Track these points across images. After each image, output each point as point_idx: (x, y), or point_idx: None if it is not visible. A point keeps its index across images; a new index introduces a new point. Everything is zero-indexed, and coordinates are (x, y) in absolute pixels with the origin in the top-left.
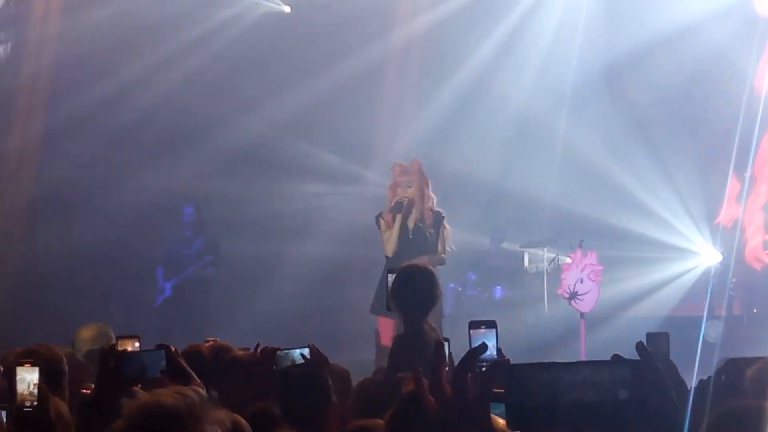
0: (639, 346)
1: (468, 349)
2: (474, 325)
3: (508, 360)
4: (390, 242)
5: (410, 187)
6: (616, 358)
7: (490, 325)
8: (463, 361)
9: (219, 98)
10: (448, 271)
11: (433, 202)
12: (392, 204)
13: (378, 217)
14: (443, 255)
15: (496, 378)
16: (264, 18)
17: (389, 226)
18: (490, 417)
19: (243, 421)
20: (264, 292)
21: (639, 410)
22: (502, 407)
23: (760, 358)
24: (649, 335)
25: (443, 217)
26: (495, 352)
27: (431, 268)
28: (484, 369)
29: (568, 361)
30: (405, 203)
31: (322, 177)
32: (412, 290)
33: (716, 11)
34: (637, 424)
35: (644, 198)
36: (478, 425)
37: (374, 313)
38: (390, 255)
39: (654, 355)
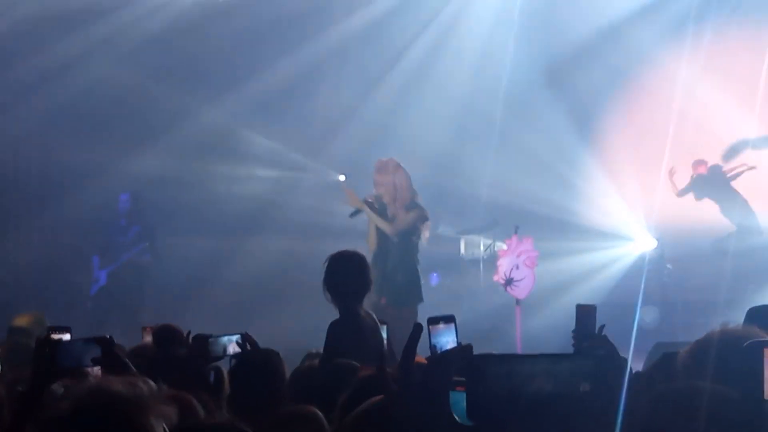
0: (600, 338)
1: (429, 345)
2: (432, 320)
3: (471, 346)
4: (370, 237)
5: (382, 186)
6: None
7: (449, 320)
8: (406, 349)
9: (155, 83)
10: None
11: (410, 200)
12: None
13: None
14: (397, 228)
15: (458, 366)
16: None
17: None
18: (448, 403)
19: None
20: (201, 280)
21: (601, 402)
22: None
23: (690, 342)
24: (578, 307)
25: (418, 211)
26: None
27: (362, 253)
28: (443, 353)
29: (526, 353)
30: (372, 201)
31: (265, 165)
32: (344, 276)
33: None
34: (599, 415)
35: (580, 185)
36: (437, 410)
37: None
38: (370, 249)
39: (583, 326)
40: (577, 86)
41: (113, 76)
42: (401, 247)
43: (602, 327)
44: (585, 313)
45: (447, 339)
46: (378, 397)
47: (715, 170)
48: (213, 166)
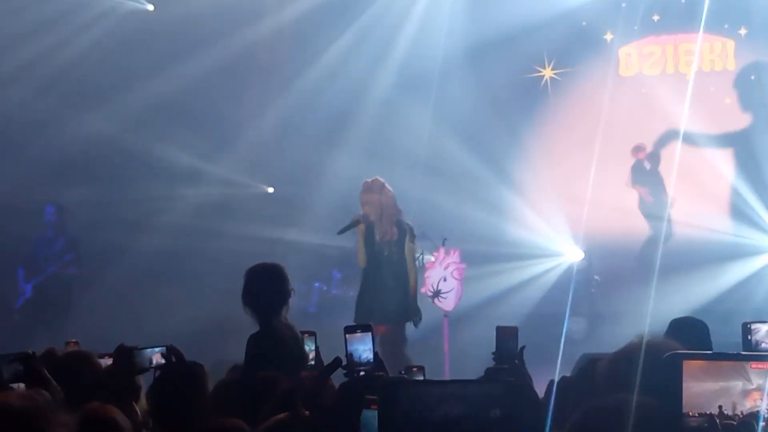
0: (512, 367)
1: (345, 353)
2: (350, 329)
3: (385, 371)
4: (359, 254)
5: (369, 205)
6: (490, 375)
7: (366, 328)
8: (318, 377)
9: (75, 97)
10: (313, 270)
11: (396, 218)
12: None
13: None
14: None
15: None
16: (128, 17)
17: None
18: (358, 425)
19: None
20: (128, 292)
21: (511, 427)
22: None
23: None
24: (498, 329)
25: (406, 232)
26: (372, 356)
27: (279, 264)
28: (362, 374)
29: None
30: (358, 220)
31: (190, 180)
32: (262, 288)
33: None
34: None
35: (508, 196)
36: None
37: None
38: (360, 266)
39: (505, 347)
40: (498, 93)
41: (38, 95)
42: (396, 266)
43: (522, 348)
44: (506, 334)
45: (363, 347)
46: (282, 415)
47: (653, 157)
48: (141, 181)
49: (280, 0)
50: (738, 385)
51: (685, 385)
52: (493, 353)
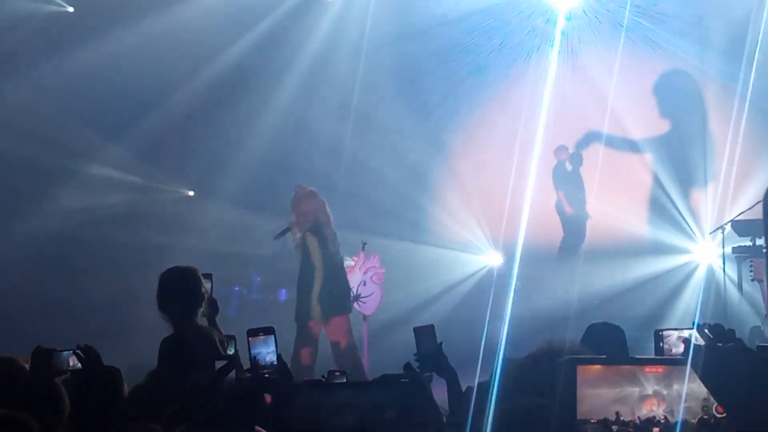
0: (406, 367)
1: (249, 356)
2: (252, 332)
3: (289, 375)
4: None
5: (300, 213)
6: (384, 379)
7: (269, 331)
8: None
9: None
10: (233, 274)
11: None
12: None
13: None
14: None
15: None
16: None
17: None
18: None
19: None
20: (46, 298)
21: (407, 427)
22: None
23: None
24: (416, 329)
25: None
26: (275, 358)
27: (192, 267)
28: (266, 376)
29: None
30: (288, 228)
31: (107, 183)
32: (174, 292)
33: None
34: None
35: (428, 200)
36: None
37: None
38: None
39: (424, 347)
40: (425, 100)
41: None
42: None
43: (440, 344)
44: (423, 333)
45: (266, 350)
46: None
47: (574, 158)
48: (56, 181)
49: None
50: (635, 391)
51: (583, 391)
52: (414, 354)
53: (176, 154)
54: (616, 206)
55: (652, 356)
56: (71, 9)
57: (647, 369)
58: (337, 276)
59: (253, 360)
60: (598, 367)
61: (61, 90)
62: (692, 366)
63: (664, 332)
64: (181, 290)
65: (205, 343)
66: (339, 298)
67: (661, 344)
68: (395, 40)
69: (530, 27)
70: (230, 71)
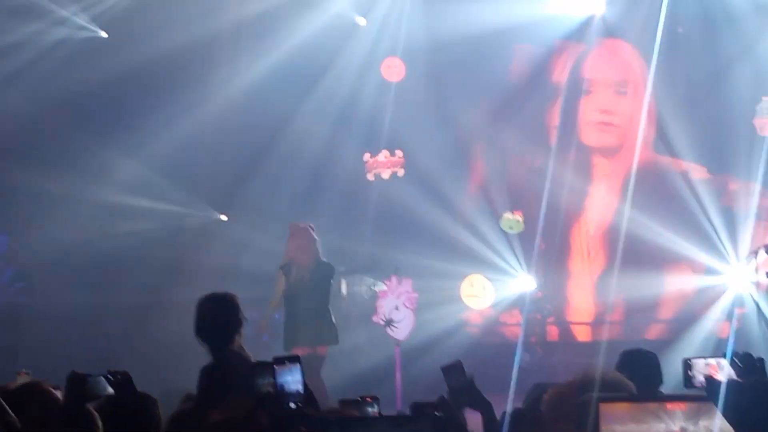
0: (440, 401)
1: (275, 385)
2: (278, 360)
3: (315, 404)
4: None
5: (295, 248)
6: (418, 410)
7: (294, 360)
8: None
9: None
10: (267, 298)
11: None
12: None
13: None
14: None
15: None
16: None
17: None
18: None
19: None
20: (81, 322)
21: None
22: None
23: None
24: (443, 369)
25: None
26: (301, 388)
27: (233, 294)
28: (292, 406)
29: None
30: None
31: (144, 209)
32: (213, 318)
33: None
34: None
35: (459, 223)
36: None
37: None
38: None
39: (455, 383)
40: (457, 126)
41: (6, 119)
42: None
43: (472, 378)
44: (452, 372)
45: (292, 378)
46: None
47: None
48: (92, 208)
49: (236, 43)
50: (661, 427)
51: (609, 427)
52: (447, 395)
53: (209, 178)
54: (652, 217)
55: (675, 393)
56: (104, 34)
57: (670, 405)
58: (309, 308)
59: (279, 389)
60: (626, 403)
61: (94, 114)
62: (714, 402)
63: (693, 361)
64: (218, 317)
65: (243, 371)
66: (318, 328)
67: (689, 373)
68: (427, 70)
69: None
70: (258, 95)
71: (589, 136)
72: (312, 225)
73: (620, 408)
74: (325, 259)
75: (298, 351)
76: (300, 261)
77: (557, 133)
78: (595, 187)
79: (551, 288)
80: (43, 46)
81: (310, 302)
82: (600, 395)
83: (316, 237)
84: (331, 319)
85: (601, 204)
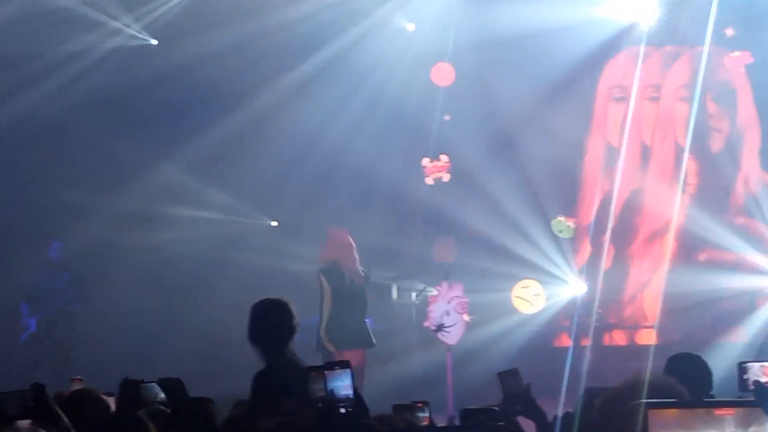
0: (490, 410)
1: (325, 389)
2: (328, 366)
3: (365, 409)
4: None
5: (336, 253)
6: (467, 417)
7: (345, 365)
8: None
9: (102, 136)
10: (317, 304)
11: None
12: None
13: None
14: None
15: None
16: (130, 50)
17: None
18: None
19: None
20: (134, 329)
21: None
22: None
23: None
24: (500, 375)
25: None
26: (351, 392)
27: (283, 300)
28: (342, 411)
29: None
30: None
31: (196, 214)
32: (267, 324)
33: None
34: None
35: (511, 228)
36: None
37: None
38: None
39: (511, 389)
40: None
41: (60, 127)
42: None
43: (528, 386)
44: (508, 377)
45: (342, 383)
46: None
47: None
48: (147, 211)
49: (283, 51)
50: None
51: None
52: (501, 401)
53: (263, 186)
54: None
55: (724, 399)
56: (155, 42)
57: (718, 411)
58: (351, 312)
59: (330, 393)
60: (673, 409)
61: (147, 123)
62: (763, 407)
63: (747, 364)
64: (274, 322)
65: (297, 377)
66: (352, 332)
67: (744, 377)
68: (476, 74)
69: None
70: (306, 99)
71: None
72: (348, 231)
73: (669, 414)
74: (361, 266)
75: (337, 355)
76: (344, 264)
77: (619, 132)
78: (649, 188)
79: (602, 291)
80: (96, 55)
81: (351, 306)
82: (648, 401)
83: (353, 243)
84: (366, 323)
85: (657, 205)
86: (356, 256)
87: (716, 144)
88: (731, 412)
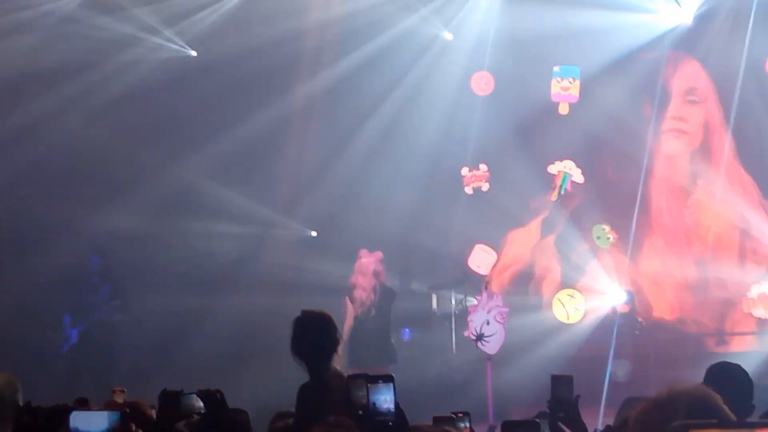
0: (571, 418)
1: (368, 403)
2: (371, 379)
3: (406, 422)
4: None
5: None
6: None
7: (388, 379)
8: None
9: (126, 141)
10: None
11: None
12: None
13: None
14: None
15: None
16: (169, 62)
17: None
18: None
19: None
20: (173, 338)
21: None
22: None
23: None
24: (554, 377)
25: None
26: (393, 406)
27: (327, 312)
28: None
29: None
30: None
31: (237, 223)
32: (310, 337)
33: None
34: None
35: (548, 238)
36: None
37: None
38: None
39: (560, 398)
40: (544, 144)
41: (85, 134)
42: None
43: (578, 397)
44: (561, 383)
45: (385, 397)
46: None
47: None
48: (185, 223)
49: (321, 53)
50: None
51: None
52: (548, 402)
53: (298, 195)
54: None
55: (765, 420)
56: (194, 53)
57: (759, 431)
58: (380, 331)
59: (372, 407)
60: (714, 429)
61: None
62: None
63: None
64: (317, 336)
65: (343, 389)
66: (376, 349)
67: None
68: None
69: None
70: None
71: (668, 143)
72: (381, 252)
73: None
74: (388, 284)
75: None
76: (365, 285)
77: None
78: (685, 197)
79: (642, 301)
80: (142, 70)
81: (374, 325)
82: (689, 422)
83: (382, 264)
84: (390, 340)
85: (697, 216)
86: (383, 274)
87: None
88: None
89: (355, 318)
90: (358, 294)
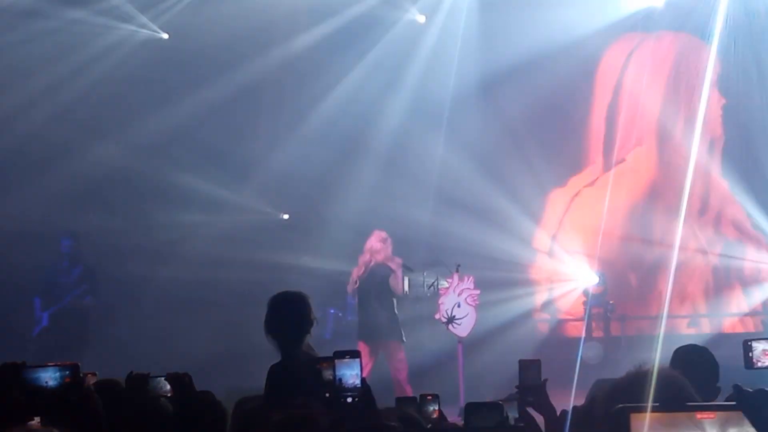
0: (539, 401)
1: (334, 377)
2: (339, 354)
3: (372, 399)
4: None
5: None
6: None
7: (354, 355)
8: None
9: (92, 125)
10: (327, 297)
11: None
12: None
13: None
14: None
15: None
16: (143, 45)
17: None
18: None
19: None
20: (140, 318)
21: None
22: None
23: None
24: (521, 362)
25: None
26: (359, 382)
27: (304, 293)
28: (349, 400)
29: None
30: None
31: (196, 203)
32: (285, 317)
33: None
34: None
35: (521, 223)
36: None
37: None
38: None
39: (528, 383)
40: (513, 110)
41: (56, 124)
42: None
43: (545, 381)
44: (528, 367)
45: (350, 372)
46: None
47: None
48: (158, 212)
49: (290, 31)
50: None
51: None
52: (516, 386)
53: (270, 178)
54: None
55: (704, 402)
56: (166, 36)
57: (700, 415)
58: (378, 305)
59: (338, 382)
60: (654, 413)
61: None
62: (743, 411)
63: (752, 342)
64: (292, 316)
65: (312, 370)
66: (381, 325)
67: (750, 354)
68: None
69: None
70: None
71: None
72: (381, 232)
73: (650, 418)
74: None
75: (368, 346)
76: (360, 261)
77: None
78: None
79: (614, 283)
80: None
81: (380, 301)
82: (628, 405)
83: (380, 242)
84: (397, 317)
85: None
86: (374, 256)
87: None
88: (712, 415)
89: (361, 292)
90: (354, 270)
